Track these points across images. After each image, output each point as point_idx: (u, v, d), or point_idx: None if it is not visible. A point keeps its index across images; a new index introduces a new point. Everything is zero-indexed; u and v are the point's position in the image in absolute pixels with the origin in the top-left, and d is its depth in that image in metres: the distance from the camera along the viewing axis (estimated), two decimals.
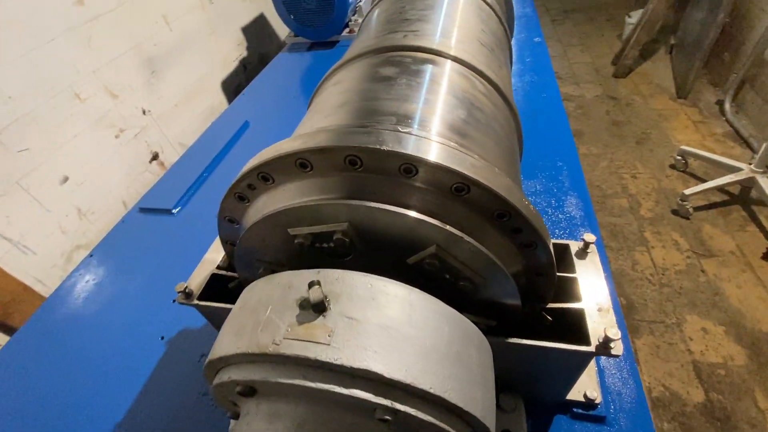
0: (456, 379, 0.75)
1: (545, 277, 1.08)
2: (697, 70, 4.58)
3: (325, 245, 0.99)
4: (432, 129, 1.05)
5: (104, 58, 3.59)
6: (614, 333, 1.01)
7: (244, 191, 1.04)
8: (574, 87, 5.15)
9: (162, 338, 1.81)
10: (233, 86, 5.53)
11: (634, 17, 5.57)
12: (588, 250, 1.25)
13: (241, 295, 0.92)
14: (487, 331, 1.11)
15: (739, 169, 3.35)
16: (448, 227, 0.88)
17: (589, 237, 1.23)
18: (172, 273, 2.09)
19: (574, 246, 1.29)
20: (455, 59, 1.39)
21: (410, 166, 0.87)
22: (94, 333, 1.91)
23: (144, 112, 4.08)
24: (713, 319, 2.76)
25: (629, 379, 1.40)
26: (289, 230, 0.98)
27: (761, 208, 3.36)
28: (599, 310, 1.12)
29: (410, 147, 0.86)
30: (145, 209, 2.57)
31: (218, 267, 1.42)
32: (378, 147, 0.85)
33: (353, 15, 4.40)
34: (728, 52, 4.55)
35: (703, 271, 3.05)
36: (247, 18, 5.87)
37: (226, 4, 5.32)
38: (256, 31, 6.05)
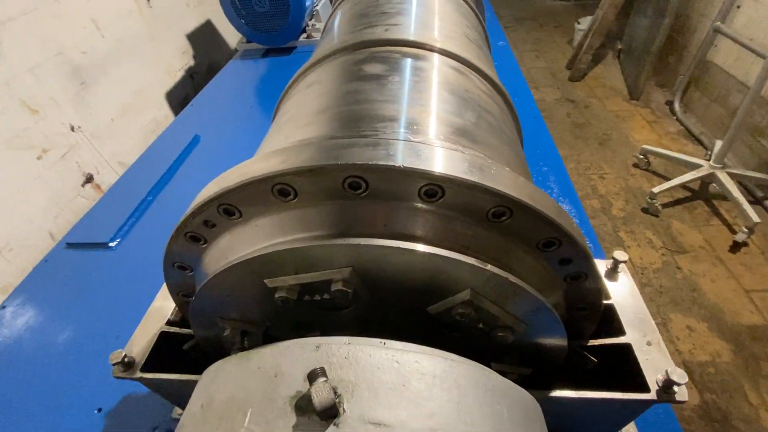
0: None
1: (589, 311, 0.89)
2: (647, 73, 4.78)
3: (317, 297, 0.73)
4: (444, 137, 0.83)
5: (19, 67, 3.07)
6: (679, 375, 0.83)
7: (198, 230, 0.76)
8: (534, 91, 5.22)
9: (99, 410, 1.43)
10: (180, 97, 5.06)
11: (584, 24, 5.78)
12: (618, 270, 1.08)
13: (202, 384, 0.64)
14: (520, 382, 0.90)
15: (699, 166, 3.47)
16: (489, 267, 0.65)
17: (621, 255, 1.06)
18: (109, 324, 1.70)
19: (602, 265, 1.12)
20: (448, 54, 1.18)
21: (435, 188, 0.64)
22: (10, 407, 1.49)
23: (73, 129, 3.56)
24: (696, 316, 2.78)
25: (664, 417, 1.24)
26: (266, 281, 0.71)
27: (721, 202, 3.48)
28: (648, 344, 0.94)
29: (436, 162, 0.63)
30: (75, 244, 2.14)
31: (169, 322, 1.10)
32: (392, 164, 0.61)
33: (310, 20, 4.15)
34: (673, 55, 4.80)
35: (678, 267, 3.09)
36: (192, 24, 5.43)
37: (167, 8, 4.86)
38: (204, 38, 5.62)
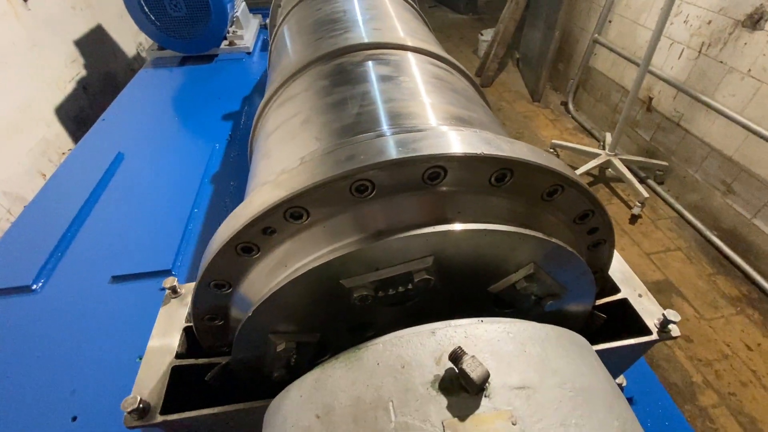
0: (627, 412, 0.60)
1: (599, 275, 1.03)
2: (544, 78, 5.50)
3: (391, 292, 0.73)
4: (479, 125, 0.89)
5: None
6: (673, 315, 1.01)
7: (254, 239, 0.71)
8: None
9: None
10: (73, 113, 4.39)
11: (486, 35, 6.42)
12: None
13: (293, 396, 0.60)
14: None
15: (598, 155, 4.13)
16: (553, 239, 0.73)
17: None
18: (55, 377, 1.43)
19: None
20: (420, 51, 1.25)
21: (506, 172, 0.69)
22: None
23: None
24: None
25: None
26: (344, 282, 0.70)
27: (617, 183, 4.19)
28: (639, 296, 1.11)
29: (506, 149, 0.69)
30: None
31: (177, 355, 0.99)
32: (473, 152, 0.65)
33: (231, 26, 3.94)
34: (562, 62, 5.60)
35: None
36: (80, 29, 4.76)
37: (48, 11, 4.19)
38: (95, 46, 4.97)
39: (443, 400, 0.51)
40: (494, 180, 0.70)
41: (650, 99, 4.18)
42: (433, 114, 0.90)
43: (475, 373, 0.49)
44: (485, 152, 0.65)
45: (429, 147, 0.65)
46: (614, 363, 1.12)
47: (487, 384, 0.52)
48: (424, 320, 0.87)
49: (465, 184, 0.69)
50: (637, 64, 3.84)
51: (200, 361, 0.98)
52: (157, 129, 2.97)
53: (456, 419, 0.49)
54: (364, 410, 0.53)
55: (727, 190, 3.56)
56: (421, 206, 0.69)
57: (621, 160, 4.00)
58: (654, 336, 1.01)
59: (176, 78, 3.64)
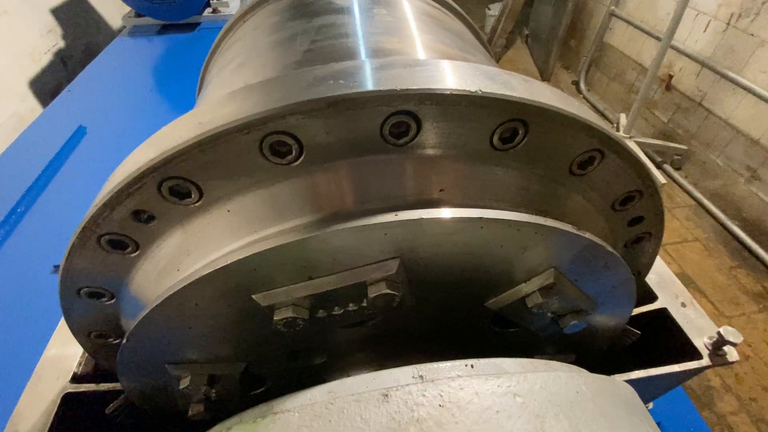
0: None
1: (637, 278, 0.77)
2: (554, 56, 5.14)
3: (337, 312, 0.48)
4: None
5: None
6: (733, 334, 0.75)
7: (123, 229, 0.46)
8: None
9: None
10: (50, 87, 4.11)
11: (494, 9, 6.01)
12: None
13: None
14: None
15: None
16: (587, 235, 0.47)
17: None
18: None
19: None
20: None
21: (517, 125, 0.43)
22: None
23: None
24: None
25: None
26: (257, 298, 0.44)
27: None
28: (683, 305, 0.86)
29: (519, 87, 0.42)
30: None
31: (75, 378, 0.75)
32: (466, 90, 0.39)
33: None
34: (574, 39, 5.22)
35: None
36: None
37: None
38: (75, 15, 4.65)
39: None
40: (498, 139, 0.44)
41: (670, 77, 3.84)
42: (415, 50, 0.63)
43: None
44: (484, 91, 0.39)
45: (390, 80, 0.39)
46: (646, 390, 0.88)
47: None
48: (397, 343, 0.64)
49: (451, 144, 0.43)
50: (658, 39, 3.50)
51: (102, 386, 0.74)
52: (129, 102, 2.69)
53: None
54: None
55: (752, 176, 3.26)
56: (380, 179, 0.43)
57: (636, 143, 3.70)
58: (705, 361, 0.76)
59: (155, 47, 3.34)
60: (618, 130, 3.94)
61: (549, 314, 0.59)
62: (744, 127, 3.27)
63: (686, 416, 1.13)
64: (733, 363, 0.78)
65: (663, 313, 0.85)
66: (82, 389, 0.73)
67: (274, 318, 0.45)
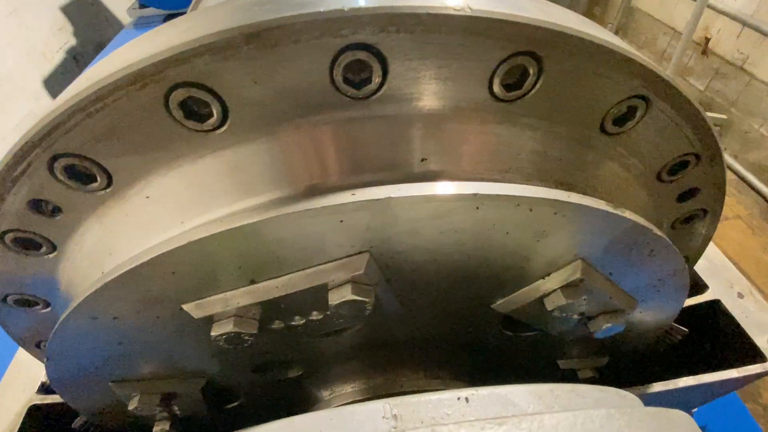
0: None
1: (689, 264, 0.64)
2: None
3: (297, 322, 0.38)
4: None
5: None
6: None
7: (29, 225, 0.36)
8: None
9: None
10: (63, 85, 4.14)
11: None
12: None
13: None
14: (597, 379, 0.64)
15: None
16: (627, 213, 0.34)
17: None
18: None
19: None
20: None
21: (526, 63, 0.31)
22: None
23: None
24: None
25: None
26: (187, 308, 0.34)
27: None
28: (740, 296, 0.72)
29: (528, 6, 0.30)
30: None
31: (45, 387, 0.69)
32: (450, 8, 0.27)
33: None
34: (599, 5, 4.86)
35: None
36: None
37: None
38: (85, 12, 4.65)
39: None
40: (501, 85, 0.31)
41: (707, 40, 3.50)
42: None
43: None
44: (475, 8, 0.27)
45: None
46: (694, 397, 0.75)
47: None
48: (384, 355, 0.53)
49: (433, 94, 0.31)
50: None
51: None
52: None
53: None
54: None
55: None
56: (337, 147, 0.32)
57: None
58: None
59: None
60: None
61: (575, 316, 0.46)
62: None
63: (735, 417, 0.99)
64: None
65: (716, 306, 0.71)
66: (48, 401, 0.66)
67: (211, 333, 0.34)
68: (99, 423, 0.62)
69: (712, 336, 0.71)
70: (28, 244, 0.39)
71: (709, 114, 3.37)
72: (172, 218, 0.34)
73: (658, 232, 0.37)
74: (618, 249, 0.38)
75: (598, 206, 0.32)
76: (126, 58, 0.28)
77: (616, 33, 4.56)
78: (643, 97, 0.35)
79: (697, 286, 0.74)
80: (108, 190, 0.34)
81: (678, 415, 0.40)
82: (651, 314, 0.54)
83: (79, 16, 4.72)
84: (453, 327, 0.49)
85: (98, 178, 0.33)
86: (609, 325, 0.47)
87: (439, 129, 0.33)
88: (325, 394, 0.55)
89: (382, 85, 0.30)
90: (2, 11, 3.74)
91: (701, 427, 0.98)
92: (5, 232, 0.37)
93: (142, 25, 3.46)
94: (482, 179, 0.33)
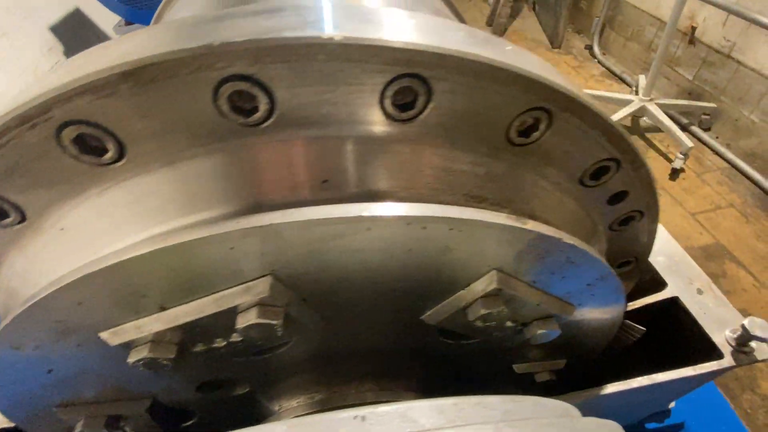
0: None
1: (634, 266, 0.64)
2: (564, 20, 4.81)
3: (217, 344, 0.39)
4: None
5: None
6: (762, 327, 0.61)
7: None
8: None
9: None
10: None
11: None
12: None
13: None
14: (557, 382, 0.64)
15: (630, 101, 3.53)
16: (530, 224, 0.35)
17: None
18: None
19: None
20: None
21: (416, 84, 0.31)
22: None
23: None
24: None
25: None
26: (103, 336, 0.35)
27: (653, 134, 3.61)
28: (699, 291, 0.72)
29: (408, 32, 0.30)
30: None
31: None
32: (327, 38, 0.27)
33: None
34: (584, 0, 4.86)
35: None
36: (55, 14, 4.47)
37: None
38: (74, 30, 4.69)
39: None
40: (394, 102, 0.32)
41: (693, 29, 3.50)
42: None
43: None
44: (351, 36, 0.28)
45: (232, 30, 0.27)
46: (658, 396, 0.75)
47: None
48: (334, 366, 0.54)
49: (323, 118, 0.32)
50: None
51: None
52: None
53: None
54: None
55: None
56: (232, 172, 0.32)
57: (658, 105, 3.40)
58: (727, 361, 0.62)
59: None
60: (637, 92, 3.64)
61: (509, 323, 0.47)
62: None
63: (715, 412, 0.98)
64: (764, 361, 0.64)
65: (675, 303, 0.71)
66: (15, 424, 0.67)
67: (128, 360, 0.35)
68: None
69: (673, 334, 0.71)
70: None
71: (697, 103, 3.37)
72: (86, 249, 0.35)
73: (569, 240, 0.37)
74: (532, 259, 0.38)
75: (494, 220, 0.33)
76: (25, 95, 0.29)
77: (604, 27, 4.56)
78: (544, 109, 0.35)
79: (657, 283, 0.74)
80: (24, 224, 0.35)
81: (606, 426, 0.40)
82: (595, 316, 0.54)
83: (69, 35, 4.76)
84: (393, 339, 0.50)
85: (11, 214, 0.34)
86: (543, 330, 0.47)
87: (336, 151, 0.33)
88: (275, 408, 0.55)
89: (271, 111, 0.31)
90: None
91: (679, 423, 0.98)
92: None
93: None
94: (384, 199, 0.34)
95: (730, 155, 3.26)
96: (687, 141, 3.10)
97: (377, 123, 0.33)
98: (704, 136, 3.44)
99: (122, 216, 0.34)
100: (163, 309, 0.34)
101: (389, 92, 0.31)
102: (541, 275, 0.41)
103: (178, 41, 0.28)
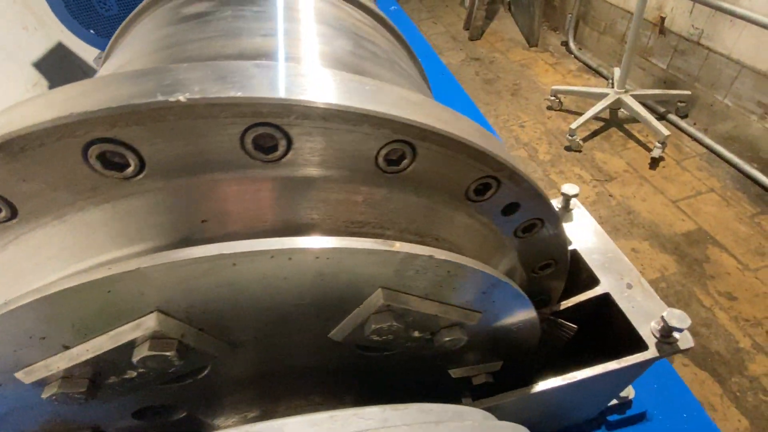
0: None
1: (555, 267, 0.67)
2: (539, 19, 4.88)
3: (131, 375, 0.42)
4: (308, 63, 0.55)
5: None
6: (679, 318, 0.64)
7: None
8: (439, 56, 5.13)
9: None
10: None
11: None
12: (571, 207, 0.88)
13: None
14: (492, 384, 0.67)
15: (605, 95, 3.58)
16: (397, 246, 0.38)
17: (570, 188, 0.85)
18: None
19: None
20: None
21: (271, 132, 0.35)
22: None
23: None
24: (637, 237, 2.84)
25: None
26: (18, 375, 0.38)
27: (632, 125, 3.66)
28: (629, 286, 0.75)
29: (280, 86, 0.34)
30: None
31: None
32: (168, 102, 0.31)
33: None
34: None
35: (611, 195, 3.15)
36: (38, 50, 4.55)
37: None
38: (58, 65, 4.76)
39: None
40: (254, 147, 0.36)
41: (662, 19, 3.56)
42: (254, 52, 0.56)
43: None
44: (191, 98, 0.31)
45: (112, 93, 0.31)
46: (596, 391, 0.78)
47: None
48: (275, 379, 0.57)
49: (187, 166, 0.35)
50: None
51: None
52: None
53: None
54: None
55: (766, 112, 2.98)
56: (111, 222, 0.36)
57: (633, 96, 3.45)
58: (652, 352, 0.65)
59: None
60: (613, 85, 3.69)
61: (415, 333, 0.50)
62: (748, 60, 2.99)
63: (678, 400, 1.01)
64: (686, 350, 0.67)
65: (606, 299, 0.74)
66: None
67: (42, 396, 0.38)
68: None
69: (607, 329, 0.74)
70: None
71: (672, 92, 3.41)
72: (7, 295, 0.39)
73: (441, 256, 0.41)
74: (413, 275, 0.42)
75: (359, 245, 0.36)
76: None
77: (578, 23, 4.63)
78: (403, 141, 0.39)
79: (592, 280, 0.77)
80: None
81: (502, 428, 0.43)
82: (507, 320, 0.57)
83: (53, 70, 4.82)
84: (317, 357, 0.53)
85: None
86: (450, 338, 0.50)
87: (209, 194, 0.37)
88: (212, 428, 0.58)
89: (143, 165, 0.34)
90: None
91: (641, 413, 1.00)
92: None
93: None
94: (265, 234, 0.37)
95: (708, 140, 3.30)
96: (663, 130, 3.14)
97: (244, 167, 0.36)
98: (682, 123, 3.49)
99: (23, 267, 0.37)
100: (66, 348, 0.37)
101: (248, 139, 0.35)
102: (430, 288, 0.44)
103: (48, 111, 0.31)
